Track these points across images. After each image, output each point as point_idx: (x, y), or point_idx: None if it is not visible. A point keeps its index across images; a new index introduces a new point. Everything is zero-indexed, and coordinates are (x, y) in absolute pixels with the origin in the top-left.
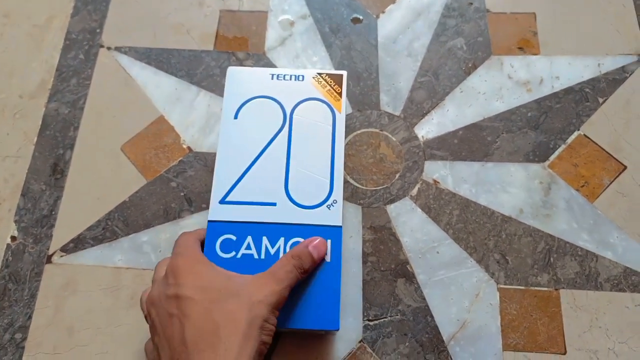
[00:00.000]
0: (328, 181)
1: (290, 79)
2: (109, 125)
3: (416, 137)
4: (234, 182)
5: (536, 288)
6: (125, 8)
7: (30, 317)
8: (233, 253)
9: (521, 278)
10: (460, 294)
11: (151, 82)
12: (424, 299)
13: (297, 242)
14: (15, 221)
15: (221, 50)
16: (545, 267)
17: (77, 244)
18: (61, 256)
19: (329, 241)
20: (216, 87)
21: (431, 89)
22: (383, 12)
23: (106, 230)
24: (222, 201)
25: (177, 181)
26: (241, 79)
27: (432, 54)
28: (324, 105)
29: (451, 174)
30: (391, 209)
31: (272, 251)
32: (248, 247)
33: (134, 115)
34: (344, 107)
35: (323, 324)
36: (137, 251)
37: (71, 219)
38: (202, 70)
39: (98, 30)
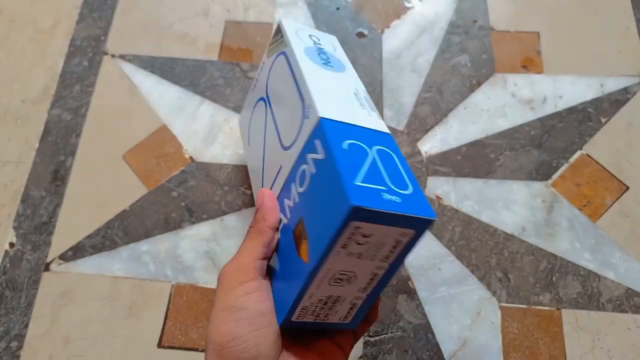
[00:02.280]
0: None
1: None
2: (111, 133)
3: (419, 153)
4: None
5: (538, 307)
6: (131, 16)
7: (26, 326)
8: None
9: (523, 297)
10: (461, 312)
11: (155, 91)
12: (425, 315)
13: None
14: (14, 227)
15: (225, 60)
16: (547, 286)
17: (75, 252)
18: (59, 264)
19: None
20: (220, 97)
21: (435, 105)
22: (388, 27)
23: (105, 238)
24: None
25: (178, 191)
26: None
27: (436, 70)
28: None
29: (454, 191)
30: None
31: None
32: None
33: (137, 124)
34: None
35: None
36: (136, 261)
37: (71, 227)
38: (205, 80)
39: (103, 38)
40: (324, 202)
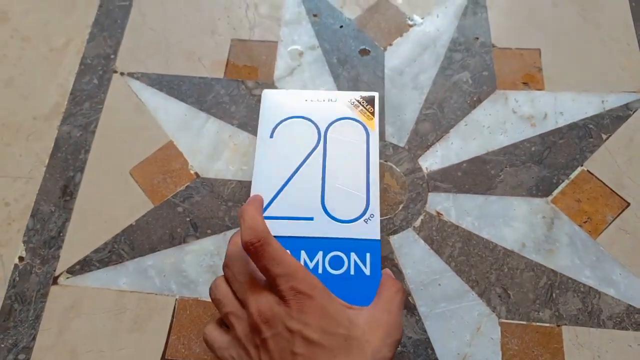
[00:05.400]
0: (364, 196)
1: (324, 101)
2: (118, 149)
3: (420, 169)
4: (270, 198)
5: (538, 324)
6: (140, 35)
7: (34, 338)
8: None
9: (523, 313)
10: (461, 328)
11: (162, 108)
12: (425, 331)
13: (337, 257)
14: (24, 242)
15: (231, 78)
16: (547, 302)
17: (83, 266)
18: (67, 278)
19: (368, 255)
20: (225, 114)
21: (436, 122)
22: (390, 44)
23: (112, 253)
24: None
25: (184, 206)
26: (276, 100)
27: (437, 87)
28: (358, 124)
29: (454, 207)
30: (394, 239)
31: (311, 265)
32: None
33: (144, 140)
34: (377, 125)
35: None
36: (141, 275)
37: (78, 241)
38: (211, 97)
39: (112, 56)
40: None
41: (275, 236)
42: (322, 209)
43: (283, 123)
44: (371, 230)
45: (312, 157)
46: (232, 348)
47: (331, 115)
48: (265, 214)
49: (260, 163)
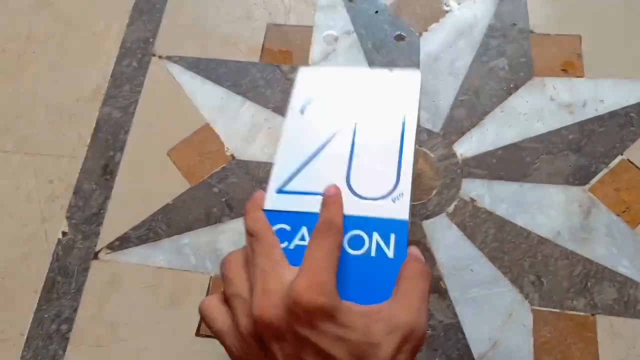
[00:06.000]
0: (395, 173)
1: (361, 80)
2: (157, 130)
3: (455, 155)
4: (293, 171)
5: (572, 312)
6: (178, 19)
7: (75, 310)
8: (286, 243)
9: (556, 301)
10: (492, 313)
11: (199, 91)
12: (456, 315)
13: (357, 236)
14: (67, 217)
15: (267, 62)
16: (581, 291)
17: (122, 243)
18: (107, 253)
19: (392, 235)
20: (261, 98)
21: (471, 108)
22: (426, 30)
23: (150, 230)
24: (280, 190)
25: (220, 187)
26: (311, 78)
27: (473, 73)
28: (396, 101)
29: (488, 193)
30: (427, 224)
31: None
32: (302, 238)
33: (181, 122)
34: (416, 103)
35: None
36: (178, 253)
37: (118, 218)
38: (247, 81)
39: (151, 40)
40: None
41: (293, 212)
42: (346, 185)
43: (316, 99)
44: (399, 209)
45: (342, 131)
46: (232, 336)
47: (368, 92)
48: (286, 187)
49: (286, 137)
